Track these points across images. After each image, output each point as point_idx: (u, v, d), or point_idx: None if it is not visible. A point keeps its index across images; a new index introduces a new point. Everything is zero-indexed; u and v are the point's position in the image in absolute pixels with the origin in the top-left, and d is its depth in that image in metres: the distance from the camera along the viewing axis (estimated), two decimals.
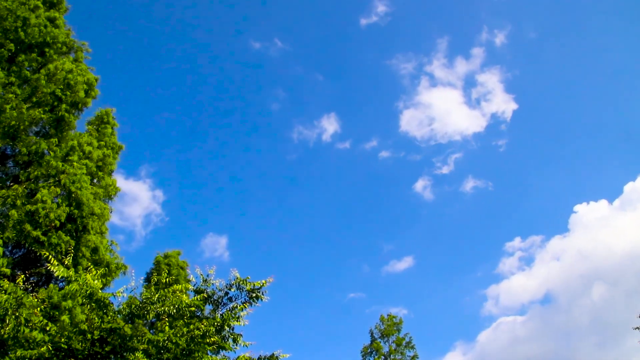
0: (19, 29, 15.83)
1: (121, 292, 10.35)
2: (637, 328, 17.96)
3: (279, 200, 74.47)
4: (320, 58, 79.20)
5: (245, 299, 10.56)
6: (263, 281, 10.48)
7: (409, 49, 78.31)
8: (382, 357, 33.17)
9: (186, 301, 10.17)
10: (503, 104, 69.56)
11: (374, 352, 33.51)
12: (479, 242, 70.52)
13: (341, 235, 72.06)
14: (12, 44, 15.63)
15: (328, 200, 74.06)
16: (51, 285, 15.63)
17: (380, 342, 33.94)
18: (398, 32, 78.62)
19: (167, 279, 10.84)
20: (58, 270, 9.75)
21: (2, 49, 15.39)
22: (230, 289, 10.61)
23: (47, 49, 16.77)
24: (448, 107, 69.34)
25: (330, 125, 73.76)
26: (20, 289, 9.52)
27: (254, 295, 10.49)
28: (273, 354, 10.69)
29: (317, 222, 72.82)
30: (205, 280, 10.72)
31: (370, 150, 74.35)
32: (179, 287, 10.23)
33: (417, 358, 33.14)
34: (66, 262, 10.54)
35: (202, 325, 9.89)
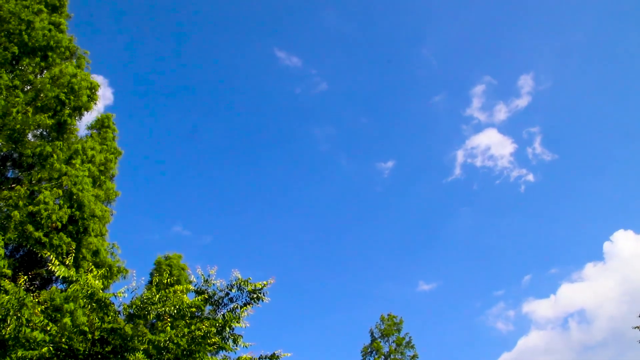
0: (23, 32, 15.92)
1: (122, 293, 10.41)
2: (637, 327, 17.96)
3: (320, 235, 75.14)
4: (366, 99, 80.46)
5: (246, 299, 10.60)
6: (264, 282, 10.51)
7: (453, 91, 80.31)
8: (382, 357, 33.04)
9: (187, 302, 10.23)
10: (544, 150, 72.34)
11: (374, 352, 33.39)
12: (518, 269, 71.54)
13: (375, 262, 72.85)
14: (15, 47, 15.72)
15: (371, 236, 75.09)
16: (53, 287, 15.68)
17: (380, 342, 33.79)
18: (443, 75, 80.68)
19: (169, 280, 10.90)
20: (59, 270, 9.81)
21: (6, 52, 15.48)
22: (231, 290, 10.64)
23: (50, 53, 16.87)
24: (491, 148, 71.18)
25: (377, 164, 75.63)
26: (22, 289, 9.57)
27: (255, 296, 10.53)
28: (274, 354, 10.71)
29: (354, 254, 73.33)
30: (207, 280, 10.76)
31: (414, 187, 76.49)
32: (180, 287, 10.29)
33: (417, 358, 33.07)
34: (67, 262, 10.60)
35: (204, 326, 9.93)
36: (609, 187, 73.26)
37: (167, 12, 75.01)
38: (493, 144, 71.66)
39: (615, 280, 58.78)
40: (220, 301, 10.76)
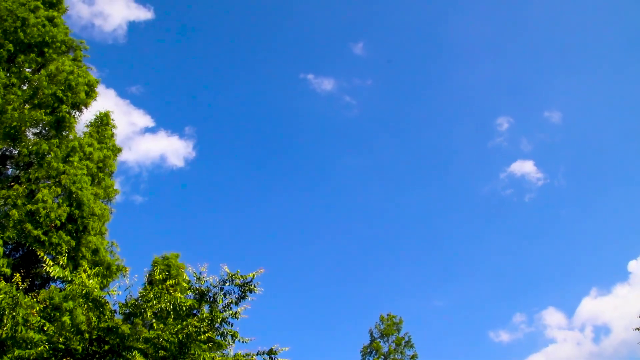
0: (18, 29, 15.87)
1: (115, 291, 10.39)
2: (637, 329, 17.81)
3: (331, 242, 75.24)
4: (395, 124, 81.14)
5: (238, 293, 10.61)
6: (253, 273, 10.52)
7: (481, 122, 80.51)
8: (382, 356, 32.88)
9: (182, 298, 10.22)
10: (571, 177, 73.86)
11: (373, 352, 33.25)
12: (540, 285, 72.02)
13: (392, 275, 73.17)
14: (11, 45, 15.67)
15: (395, 258, 75.42)
16: (52, 286, 15.66)
17: (379, 341, 33.61)
18: (471, 105, 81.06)
19: (161, 275, 10.89)
20: (54, 271, 9.80)
21: (2, 50, 15.46)
22: (224, 284, 10.64)
23: (46, 49, 16.81)
24: (518, 177, 72.40)
25: (408, 193, 76.12)
26: (16, 288, 9.55)
27: (246, 288, 10.54)
28: (272, 349, 10.70)
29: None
30: (199, 277, 10.75)
31: (443, 215, 76.41)
32: (172, 282, 10.27)
33: (417, 358, 32.94)
34: (61, 262, 10.57)
35: (196, 322, 9.91)
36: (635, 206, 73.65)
37: (193, 34, 75.49)
38: (520, 173, 72.85)
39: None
40: (215, 297, 10.75)
